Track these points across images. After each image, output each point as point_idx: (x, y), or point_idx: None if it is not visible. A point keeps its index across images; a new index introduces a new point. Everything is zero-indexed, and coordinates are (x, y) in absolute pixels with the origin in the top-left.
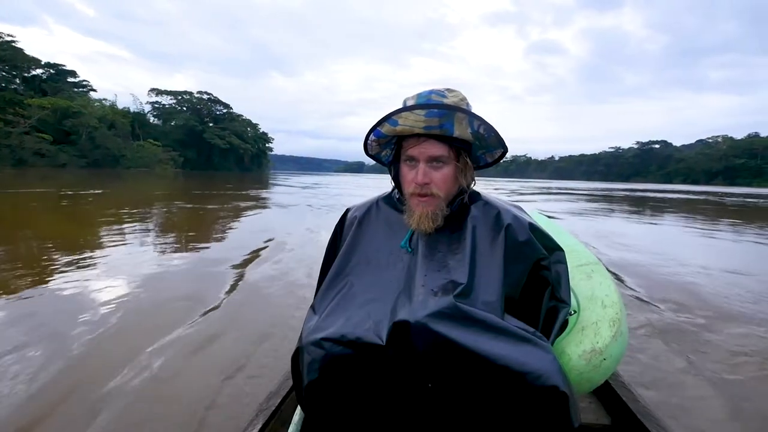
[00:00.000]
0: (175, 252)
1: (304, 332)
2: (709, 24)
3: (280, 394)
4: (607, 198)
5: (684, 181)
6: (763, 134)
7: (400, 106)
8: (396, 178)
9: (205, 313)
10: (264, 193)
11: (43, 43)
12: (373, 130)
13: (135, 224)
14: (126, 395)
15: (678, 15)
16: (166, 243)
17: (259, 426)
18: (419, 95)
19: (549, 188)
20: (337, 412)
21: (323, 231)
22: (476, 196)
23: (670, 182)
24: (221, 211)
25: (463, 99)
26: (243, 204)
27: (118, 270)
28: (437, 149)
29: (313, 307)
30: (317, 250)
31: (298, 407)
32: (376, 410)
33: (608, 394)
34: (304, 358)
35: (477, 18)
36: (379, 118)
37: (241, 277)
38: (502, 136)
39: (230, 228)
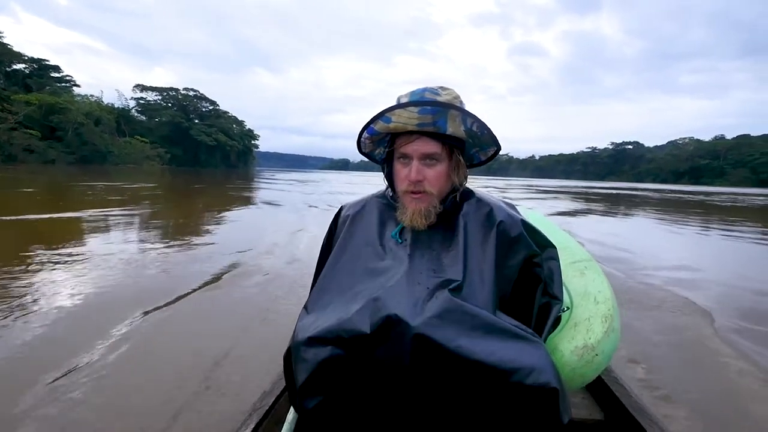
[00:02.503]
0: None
1: (296, 332)
2: (682, 30)
3: (274, 393)
4: (586, 195)
5: (654, 181)
6: (728, 136)
7: (393, 103)
8: (389, 176)
9: None
10: (279, 186)
11: (11, 33)
12: (366, 127)
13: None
14: None
15: (653, 21)
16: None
17: (252, 425)
18: (413, 93)
19: (530, 186)
20: (329, 411)
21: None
22: (469, 194)
23: (641, 181)
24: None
25: (457, 97)
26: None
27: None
28: (430, 146)
29: (306, 307)
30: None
31: (292, 407)
32: (369, 408)
33: (601, 389)
34: (295, 357)
35: (462, 18)
36: (373, 116)
37: None
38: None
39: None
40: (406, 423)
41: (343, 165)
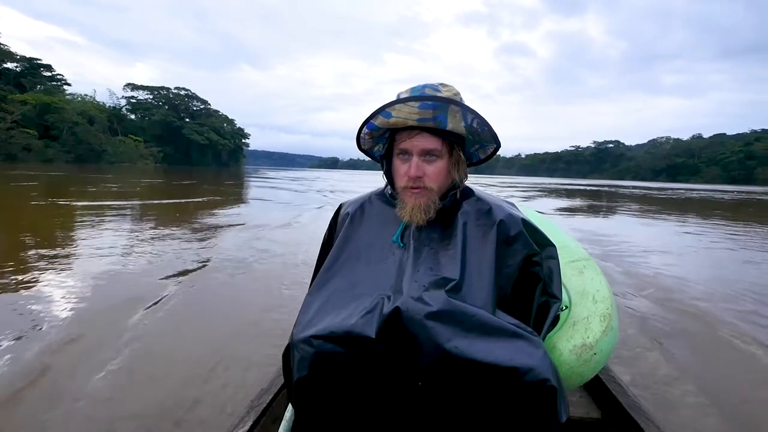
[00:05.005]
0: None
1: (295, 329)
2: (663, 32)
3: (272, 391)
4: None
5: (634, 178)
6: (705, 135)
7: (385, 101)
8: (388, 173)
9: None
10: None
11: None
12: (366, 122)
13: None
14: None
15: (635, 23)
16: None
17: (250, 422)
18: (413, 89)
19: (517, 184)
20: (327, 408)
21: None
22: (469, 192)
23: (622, 179)
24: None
25: (457, 94)
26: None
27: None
28: (430, 142)
29: (305, 304)
30: None
31: (290, 404)
32: (367, 407)
33: (598, 388)
34: (294, 355)
35: (450, 17)
36: (373, 111)
37: None
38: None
39: None
40: (405, 421)
41: (332, 163)
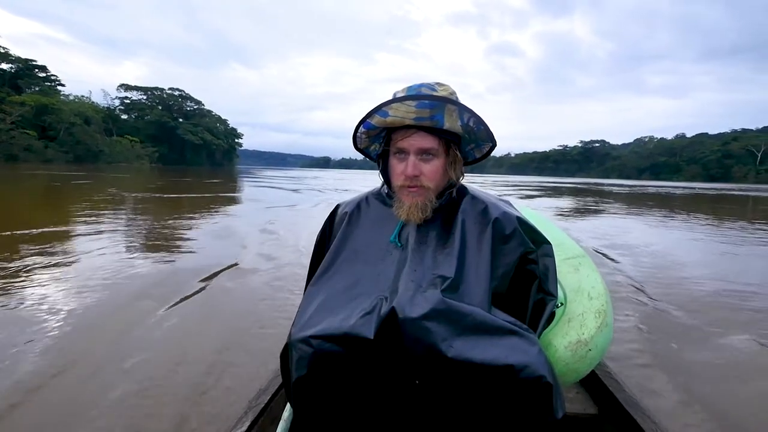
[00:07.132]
0: None
1: (293, 329)
2: (648, 33)
3: (270, 390)
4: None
5: (619, 177)
6: (689, 135)
7: (378, 100)
8: (384, 172)
9: None
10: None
11: None
12: (363, 121)
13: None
14: None
15: (622, 24)
16: None
17: (248, 423)
18: (410, 87)
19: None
20: (325, 408)
21: None
22: (464, 190)
23: (608, 177)
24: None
25: (453, 93)
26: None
27: None
28: (427, 141)
29: (302, 304)
30: None
31: (288, 404)
32: (365, 406)
33: (595, 383)
34: (293, 355)
35: (440, 17)
36: (370, 110)
37: None
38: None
39: None
40: (403, 420)
41: (324, 163)
